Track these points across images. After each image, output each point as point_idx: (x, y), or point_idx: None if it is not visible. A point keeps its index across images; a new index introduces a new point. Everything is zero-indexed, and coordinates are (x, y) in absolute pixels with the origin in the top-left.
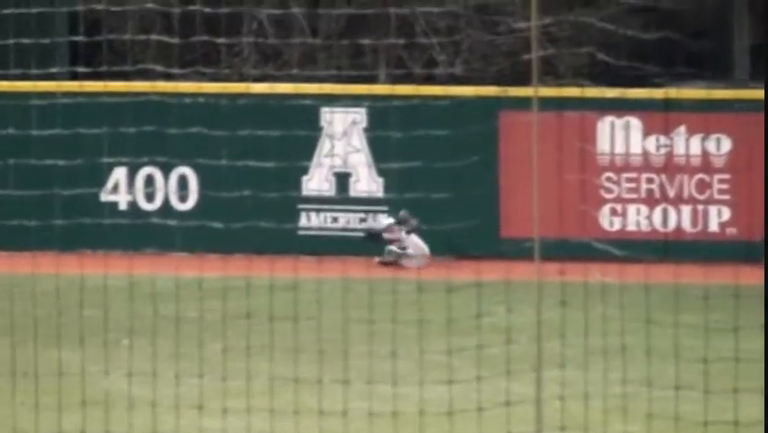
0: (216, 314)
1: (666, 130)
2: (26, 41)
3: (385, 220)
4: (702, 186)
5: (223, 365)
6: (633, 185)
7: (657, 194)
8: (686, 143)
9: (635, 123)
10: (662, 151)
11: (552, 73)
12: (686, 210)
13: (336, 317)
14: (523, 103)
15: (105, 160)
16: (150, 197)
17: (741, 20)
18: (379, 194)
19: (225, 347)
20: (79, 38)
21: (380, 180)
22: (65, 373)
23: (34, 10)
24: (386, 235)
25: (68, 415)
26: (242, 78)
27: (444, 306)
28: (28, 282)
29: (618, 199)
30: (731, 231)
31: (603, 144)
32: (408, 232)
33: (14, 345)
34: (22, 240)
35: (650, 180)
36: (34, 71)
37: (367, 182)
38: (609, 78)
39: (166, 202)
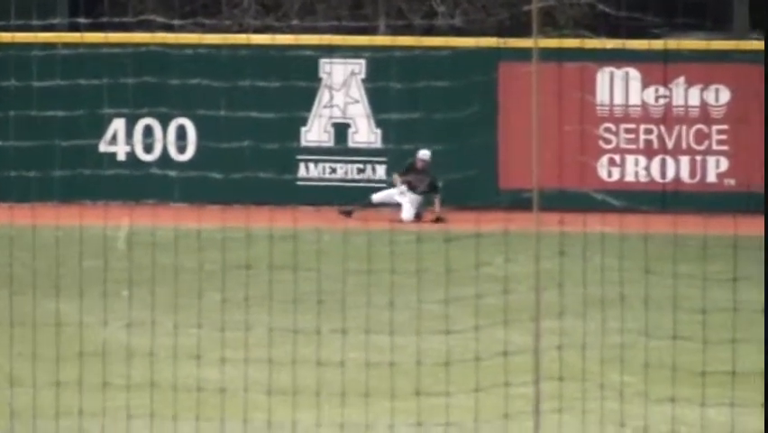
0: (215, 264)
1: (665, 81)
2: None
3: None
4: (701, 137)
5: (221, 316)
6: (632, 136)
7: (656, 145)
8: (685, 94)
9: (634, 74)
10: (661, 102)
11: (552, 24)
12: (684, 161)
13: (335, 267)
14: (523, 54)
15: (105, 111)
16: (148, 148)
17: None
18: (378, 145)
19: (224, 298)
20: None
21: (378, 131)
22: (63, 324)
23: None
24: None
25: (66, 365)
26: (243, 30)
27: (443, 256)
28: (27, 234)
29: (617, 150)
30: (729, 182)
31: (602, 95)
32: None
33: (13, 295)
34: (21, 192)
35: (649, 131)
36: (35, 23)
37: (365, 133)
38: (609, 29)
39: (165, 153)
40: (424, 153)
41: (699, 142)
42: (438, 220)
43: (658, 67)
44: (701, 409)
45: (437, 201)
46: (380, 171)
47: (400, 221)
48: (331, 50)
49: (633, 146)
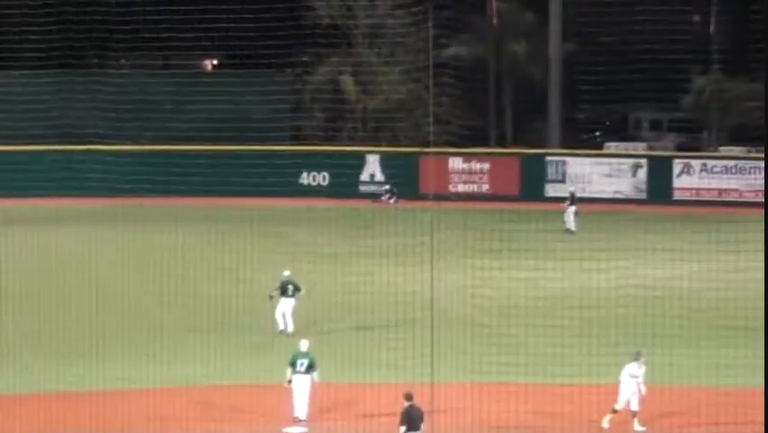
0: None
1: (472, 161)
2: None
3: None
4: (483, 179)
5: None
6: (464, 179)
7: (470, 181)
8: (480, 166)
9: (460, 160)
10: (469, 166)
11: (438, 143)
12: (480, 185)
13: (370, 220)
14: (427, 155)
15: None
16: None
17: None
18: (384, 180)
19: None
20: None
21: (384, 178)
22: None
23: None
24: (384, 198)
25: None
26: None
27: (411, 218)
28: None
29: (458, 183)
30: (487, 189)
31: (452, 165)
32: (390, 197)
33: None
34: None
35: (468, 181)
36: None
37: (380, 177)
38: (454, 140)
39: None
40: (387, 186)
41: (481, 182)
42: (396, 201)
43: (474, 157)
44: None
45: (395, 197)
46: (385, 187)
47: (389, 203)
48: (368, 153)
49: (464, 181)
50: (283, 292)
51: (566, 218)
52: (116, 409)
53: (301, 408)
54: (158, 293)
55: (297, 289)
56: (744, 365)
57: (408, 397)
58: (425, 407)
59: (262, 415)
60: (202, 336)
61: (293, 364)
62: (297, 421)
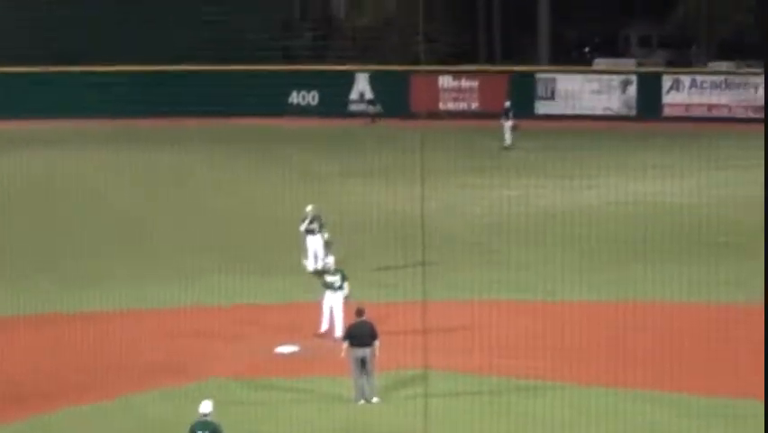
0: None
1: (462, 78)
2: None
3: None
4: (473, 97)
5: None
6: (453, 96)
7: (460, 98)
8: (466, 82)
9: (449, 78)
10: (457, 84)
11: (428, 60)
12: (468, 104)
13: (366, 132)
14: (418, 73)
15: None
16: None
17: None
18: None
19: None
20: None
21: (374, 94)
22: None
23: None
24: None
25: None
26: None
27: (401, 137)
28: None
29: (446, 102)
30: (477, 107)
31: (443, 83)
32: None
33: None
34: None
35: (457, 98)
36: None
37: (369, 95)
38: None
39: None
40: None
41: (470, 99)
42: (375, 119)
43: (463, 74)
44: None
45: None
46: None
47: (371, 122)
48: (358, 72)
49: (454, 99)
50: (309, 231)
51: (505, 134)
52: (117, 330)
53: (326, 323)
54: (155, 214)
55: (322, 226)
56: (728, 282)
57: (359, 312)
58: (416, 326)
59: (260, 334)
60: (201, 257)
61: (324, 280)
62: (322, 336)
